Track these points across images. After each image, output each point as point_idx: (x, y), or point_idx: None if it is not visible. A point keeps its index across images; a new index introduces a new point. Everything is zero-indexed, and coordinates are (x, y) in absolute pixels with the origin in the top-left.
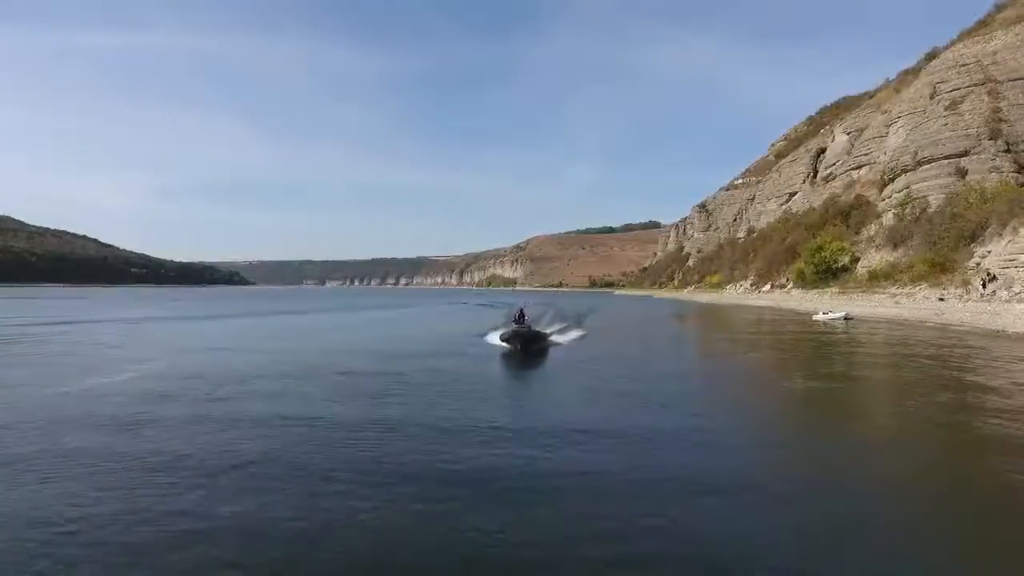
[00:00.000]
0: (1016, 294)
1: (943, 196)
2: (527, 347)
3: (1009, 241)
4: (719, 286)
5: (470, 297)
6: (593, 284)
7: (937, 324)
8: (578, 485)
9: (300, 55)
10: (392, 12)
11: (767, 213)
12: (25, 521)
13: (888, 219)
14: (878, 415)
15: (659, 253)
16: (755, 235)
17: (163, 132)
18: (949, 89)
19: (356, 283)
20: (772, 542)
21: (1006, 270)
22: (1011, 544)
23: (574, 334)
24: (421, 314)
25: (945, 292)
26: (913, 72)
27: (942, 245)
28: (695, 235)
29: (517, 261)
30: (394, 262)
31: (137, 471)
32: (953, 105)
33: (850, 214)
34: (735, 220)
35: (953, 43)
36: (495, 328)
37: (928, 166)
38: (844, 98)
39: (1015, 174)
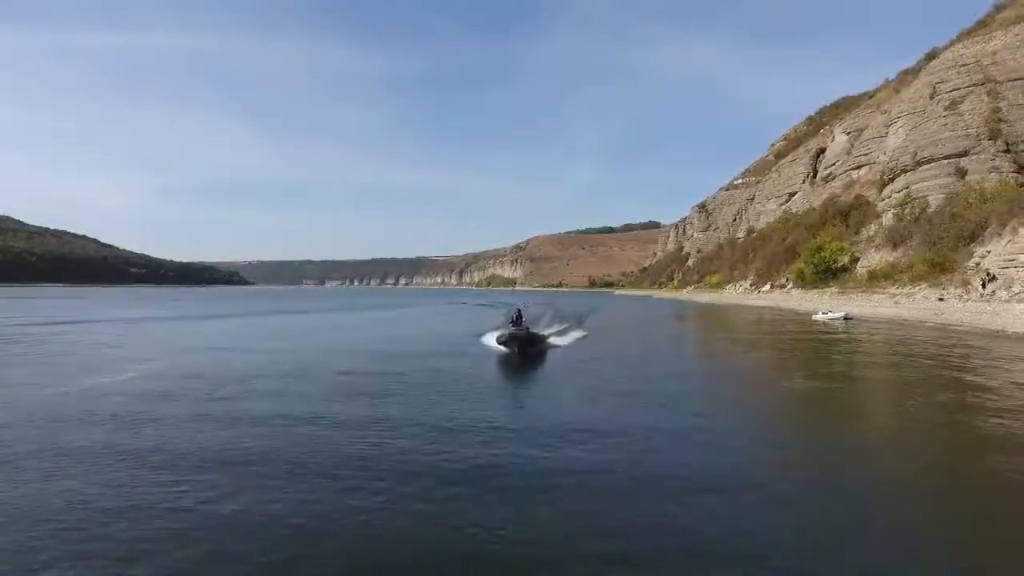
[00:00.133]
0: (1016, 294)
1: (943, 196)
2: (525, 350)
3: (1009, 241)
4: (719, 286)
5: (470, 297)
6: (593, 284)
7: (937, 324)
8: (578, 484)
9: (300, 55)
10: (392, 12)
11: (767, 213)
12: (26, 519)
13: (888, 219)
14: (878, 415)
15: (659, 253)
16: (755, 235)
17: (163, 132)
18: (949, 89)
19: (356, 283)
20: (772, 541)
21: (1006, 270)
22: (1011, 544)
23: (574, 335)
24: (421, 314)
25: (945, 292)
26: (913, 72)
27: (942, 245)
28: (695, 235)
29: (517, 261)
30: (394, 262)
31: (137, 470)
32: (953, 105)
33: (850, 214)
34: (735, 220)
35: (953, 43)
36: (492, 329)
37: (928, 166)
38: (844, 98)
39: (1015, 174)
